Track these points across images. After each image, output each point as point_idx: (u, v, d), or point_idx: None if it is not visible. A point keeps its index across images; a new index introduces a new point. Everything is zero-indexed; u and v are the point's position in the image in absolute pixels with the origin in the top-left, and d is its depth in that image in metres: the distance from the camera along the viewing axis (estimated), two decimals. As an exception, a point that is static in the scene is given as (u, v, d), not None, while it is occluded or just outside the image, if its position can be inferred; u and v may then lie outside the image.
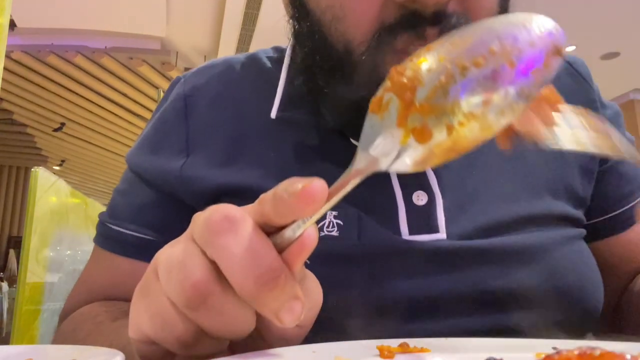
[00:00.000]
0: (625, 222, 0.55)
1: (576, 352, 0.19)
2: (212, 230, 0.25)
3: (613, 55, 4.76)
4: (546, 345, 0.30)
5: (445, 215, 0.46)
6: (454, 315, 0.44)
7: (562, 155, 0.52)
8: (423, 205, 0.46)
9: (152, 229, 0.52)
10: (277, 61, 0.56)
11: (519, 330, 0.41)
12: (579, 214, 0.52)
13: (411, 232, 0.45)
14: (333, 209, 0.45)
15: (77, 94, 5.91)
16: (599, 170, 0.55)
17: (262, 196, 0.26)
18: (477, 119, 0.25)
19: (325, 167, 0.48)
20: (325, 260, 0.38)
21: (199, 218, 0.27)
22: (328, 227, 0.45)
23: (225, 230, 0.25)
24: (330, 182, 0.47)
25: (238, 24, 4.63)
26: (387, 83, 0.27)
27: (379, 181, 0.45)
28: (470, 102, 0.25)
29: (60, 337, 0.52)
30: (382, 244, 0.44)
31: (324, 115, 0.49)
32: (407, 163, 0.26)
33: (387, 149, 0.26)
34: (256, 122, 0.52)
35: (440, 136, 0.25)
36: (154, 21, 4.87)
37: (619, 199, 0.55)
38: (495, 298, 0.44)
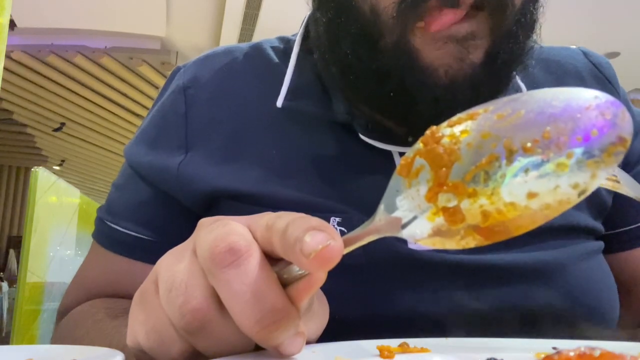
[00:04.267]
0: None
1: (576, 352, 0.19)
2: (215, 261, 0.24)
3: (613, 55, 4.75)
4: (546, 345, 0.30)
5: None
6: (458, 333, 0.42)
7: None
8: None
9: (149, 228, 0.50)
10: (283, 52, 0.54)
11: None
12: (598, 225, 0.50)
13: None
14: (337, 214, 0.44)
15: (77, 94, 5.90)
16: None
17: (273, 222, 0.25)
18: (518, 210, 0.22)
19: (329, 167, 0.46)
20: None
21: (205, 236, 0.25)
22: None
23: (229, 264, 0.23)
24: (331, 186, 0.46)
25: (238, 23, 4.63)
26: (419, 146, 0.24)
27: (384, 185, 0.43)
28: (513, 192, 0.22)
29: (60, 334, 0.52)
30: (387, 253, 0.42)
31: (333, 107, 0.47)
32: (430, 237, 0.24)
33: (411, 218, 0.24)
34: (259, 115, 0.49)
35: (473, 221, 0.23)
36: (154, 21, 4.86)
37: None
38: (504, 317, 0.42)
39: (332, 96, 0.48)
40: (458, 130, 0.24)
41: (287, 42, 0.55)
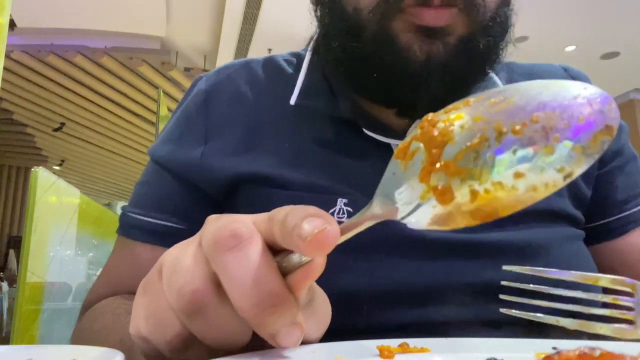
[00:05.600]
0: (628, 226, 0.56)
1: (576, 352, 0.20)
2: (217, 246, 0.25)
3: (613, 55, 4.76)
4: (546, 345, 0.30)
5: None
6: (448, 305, 0.45)
7: None
8: None
9: (176, 216, 0.53)
10: (295, 64, 0.60)
11: (513, 323, 0.42)
12: (578, 213, 0.53)
13: None
14: (343, 195, 0.48)
15: (77, 94, 5.91)
16: (598, 173, 0.56)
17: (274, 214, 0.26)
18: (505, 190, 0.23)
19: (336, 157, 0.51)
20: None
21: (210, 227, 0.26)
22: (339, 213, 0.47)
23: (231, 248, 0.24)
24: (337, 172, 0.50)
25: (238, 23, 4.64)
26: (417, 131, 0.26)
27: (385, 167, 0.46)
28: (501, 171, 0.23)
29: (80, 328, 0.53)
30: (387, 231, 0.45)
31: (339, 106, 0.52)
32: (424, 220, 0.25)
33: (406, 200, 0.25)
34: (274, 111, 0.55)
35: (462, 200, 0.24)
36: (154, 21, 4.87)
37: (619, 203, 0.56)
38: (490, 291, 0.44)
39: (338, 96, 0.53)
40: (453, 115, 0.25)
41: (298, 56, 0.62)
